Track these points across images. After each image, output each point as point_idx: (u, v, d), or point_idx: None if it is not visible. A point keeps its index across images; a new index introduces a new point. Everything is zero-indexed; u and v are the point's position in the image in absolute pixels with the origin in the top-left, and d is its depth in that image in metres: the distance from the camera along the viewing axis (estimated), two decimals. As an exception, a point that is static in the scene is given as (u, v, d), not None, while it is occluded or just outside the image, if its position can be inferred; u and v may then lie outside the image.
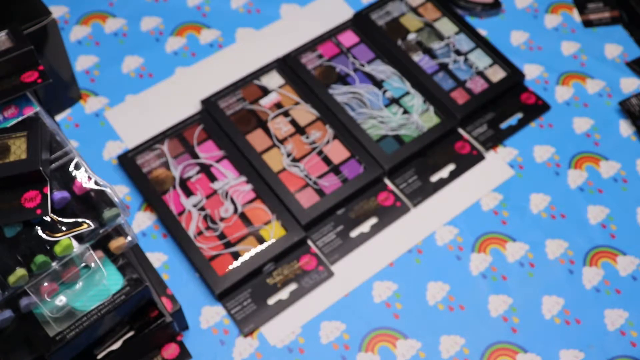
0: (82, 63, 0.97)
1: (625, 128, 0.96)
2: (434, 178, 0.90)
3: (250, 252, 0.82)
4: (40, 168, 0.61)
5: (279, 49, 0.99)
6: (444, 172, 0.91)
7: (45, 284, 0.61)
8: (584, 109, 0.98)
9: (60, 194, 0.62)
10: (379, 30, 1.00)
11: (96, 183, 0.64)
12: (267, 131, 0.91)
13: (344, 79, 0.96)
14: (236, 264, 0.81)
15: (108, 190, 0.64)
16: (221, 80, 0.96)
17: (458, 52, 0.99)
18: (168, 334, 0.75)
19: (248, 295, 0.81)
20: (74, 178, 0.64)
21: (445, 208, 0.88)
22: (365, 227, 0.86)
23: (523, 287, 0.84)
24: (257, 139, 0.91)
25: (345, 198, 0.87)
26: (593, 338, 0.81)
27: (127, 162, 0.88)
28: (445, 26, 1.02)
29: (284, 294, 0.82)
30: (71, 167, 0.65)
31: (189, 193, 0.86)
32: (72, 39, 0.99)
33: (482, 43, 1.00)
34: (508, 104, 0.97)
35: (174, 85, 0.96)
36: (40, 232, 0.61)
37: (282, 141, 0.91)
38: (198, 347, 0.78)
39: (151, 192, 0.86)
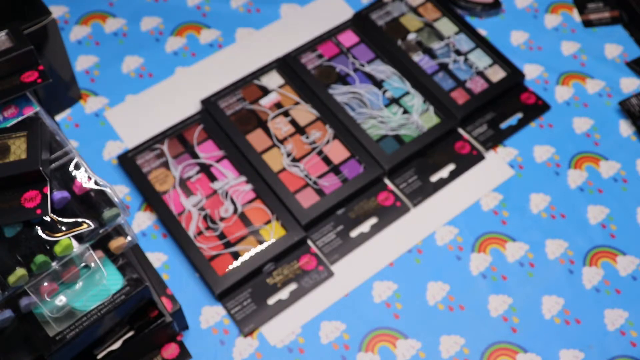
0: (82, 63, 0.97)
1: (625, 128, 0.96)
2: (434, 178, 0.90)
3: (250, 252, 0.82)
4: (40, 168, 0.61)
5: (279, 49, 0.99)
6: (444, 172, 0.91)
7: (45, 284, 0.61)
8: (584, 109, 0.98)
9: (60, 194, 0.62)
10: (379, 30, 1.00)
11: (96, 183, 0.64)
12: (267, 131, 0.91)
13: (344, 79, 0.96)
14: (236, 264, 0.81)
15: (108, 190, 0.64)
16: (221, 80, 0.96)
17: (458, 52, 0.99)
18: (168, 334, 0.75)
19: (248, 295, 0.81)
20: (74, 178, 0.64)
21: (445, 208, 0.88)
22: (365, 227, 0.86)
23: (523, 287, 0.84)
24: (257, 139, 0.91)
25: (345, 198, 0.87)
26: (593, 338, 0.81)
27: (127, 162, 0.88)
28: (445, 26, 1.02)
29: (284, 294, 0.82)
30: (71, 167, 0.65)
31: (189, 193, 0.86)
32: (72, 39, 0.99)
33: (482, 43, 1.00)
34: (508, 104, 0.97)
35: (174, 85, 0.96)
36: (40, 232, 0.60)
37: (282, 141, 0.91)
38: (198, 347, 0.78)
39: (151, 192, 0.86)
